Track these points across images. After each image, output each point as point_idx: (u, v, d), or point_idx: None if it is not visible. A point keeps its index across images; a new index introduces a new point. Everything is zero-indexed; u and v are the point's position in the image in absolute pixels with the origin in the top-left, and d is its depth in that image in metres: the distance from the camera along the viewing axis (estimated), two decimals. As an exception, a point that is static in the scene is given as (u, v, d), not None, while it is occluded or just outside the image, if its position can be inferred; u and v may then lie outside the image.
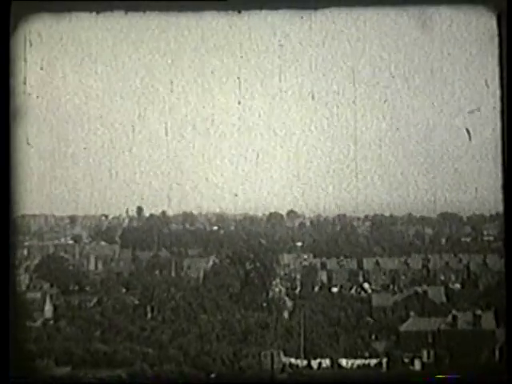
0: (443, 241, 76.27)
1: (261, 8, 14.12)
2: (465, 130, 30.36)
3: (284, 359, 49.19)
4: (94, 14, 14.09)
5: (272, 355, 48.73)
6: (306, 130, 43.53)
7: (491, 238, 73.04)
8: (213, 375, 46.04)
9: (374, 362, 51.21)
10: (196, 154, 48.91)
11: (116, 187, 49.61)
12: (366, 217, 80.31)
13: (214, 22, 15.70)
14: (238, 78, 25.12)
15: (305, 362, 50.20)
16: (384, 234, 78.14)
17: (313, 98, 33.55)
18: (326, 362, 50.36)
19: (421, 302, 59.97)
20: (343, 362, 50.99)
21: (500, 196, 12.90)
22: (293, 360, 49.86)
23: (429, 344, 52.93)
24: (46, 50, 18.03)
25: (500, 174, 13.01)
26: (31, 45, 14.92)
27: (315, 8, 13.98)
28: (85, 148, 41.51)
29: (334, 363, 50.59)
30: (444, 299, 61.30)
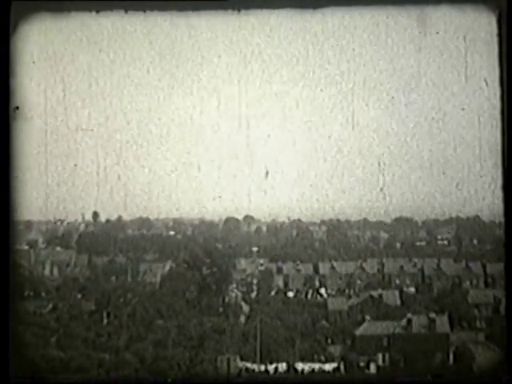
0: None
1: (261, 7, 14.17)
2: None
3: (240, 364, 49.26)
4: (93, 13, 14.08)
5: (228, 360, 48.79)
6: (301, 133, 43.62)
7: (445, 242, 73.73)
8: (169, 380, 45.95)
9: (330, 366, 51.46)
10: (153, 159, 48.75)
11: (72, 192, 49.27)
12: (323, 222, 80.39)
13: (213, 22, 15.73)
14: (238, 77, 25.20)
15: (261, 367, 50.31)
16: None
17: (313, 97, 33.63)
18: (283, 367, 50.52)
19: (376, 305, 60.35)
20: (299, 366, 51.17)
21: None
22: (249, 364, 49.95)
23: (384, 347, 53.33)
24: (46, 49, 18.00)
25: (500, 174, 13.09)
26: (31, 45, 14.89)
27: (315, 8, 14.02)
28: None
29: (291, 367, 50.76)
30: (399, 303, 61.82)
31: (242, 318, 60.11)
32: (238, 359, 49.29)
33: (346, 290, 67.60)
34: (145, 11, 14.03)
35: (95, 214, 76.10)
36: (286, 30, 22.31)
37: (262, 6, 14.01)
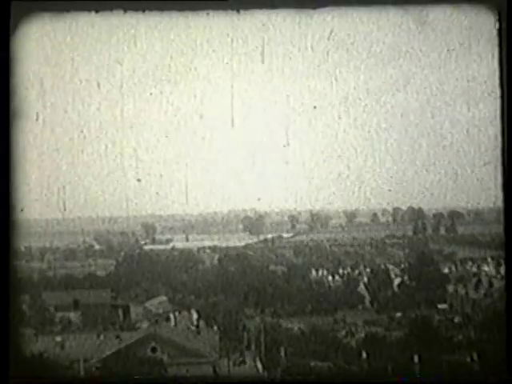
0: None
1: (260, 8, 14.15)
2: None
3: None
4: (93, 13, 14.07)
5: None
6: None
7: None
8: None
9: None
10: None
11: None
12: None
13: (213, 22, 15.68)
14: (238, 77, 25.18)
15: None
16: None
17: (313, 97, 33.62)
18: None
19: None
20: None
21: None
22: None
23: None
24: (46, 49, 17.97)
25: (500, 174, 13.09)
26: (31, 45, 14.87)
27: (315, 8, 14.01)
28: None
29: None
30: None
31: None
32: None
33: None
34: (144, 11, 14.03)
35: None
36: (286, 30, 22.30)
37: (261, 6, 14.00)
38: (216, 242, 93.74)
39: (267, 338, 60.74)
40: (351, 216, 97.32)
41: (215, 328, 65.82)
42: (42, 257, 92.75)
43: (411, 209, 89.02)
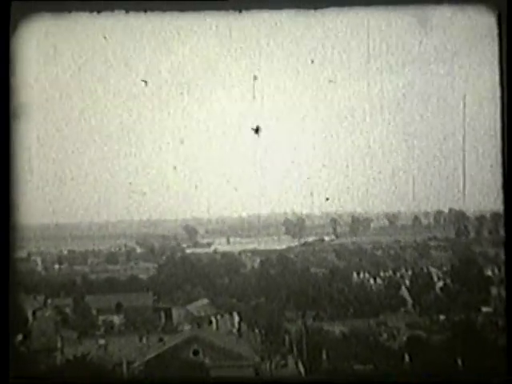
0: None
1: (261, 8, 14.14)
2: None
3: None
4: (94, 13, 14.10)
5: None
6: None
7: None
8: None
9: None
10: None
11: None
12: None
13: (214, 22, 15.71)
14: (238, 78, 25.23)
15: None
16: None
17: (312, 98, 33.59)
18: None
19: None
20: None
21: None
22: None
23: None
24: (46, 49, 18.09)
25: (500, 174, 13.02)
26: (31, 45, 14.96)
27: (315, 8, 13.98)
28: None
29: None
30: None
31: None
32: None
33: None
34: (146, 11, 14.02)
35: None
36: (287, 31, 22.28)
37: (262, 6, 13.96)
38: (257, 245, 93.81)
39: (309, 341, 60.59)
40: (393, 218, 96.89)
41: (257, 331, 65.81)
42: (85, 260, 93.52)
43: (453, 211, 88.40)
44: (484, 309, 69.70)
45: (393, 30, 18.79)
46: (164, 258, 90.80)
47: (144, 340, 62.83)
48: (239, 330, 67.27)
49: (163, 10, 14.03)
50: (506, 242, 12.81)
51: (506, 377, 12.74)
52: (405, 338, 62.95)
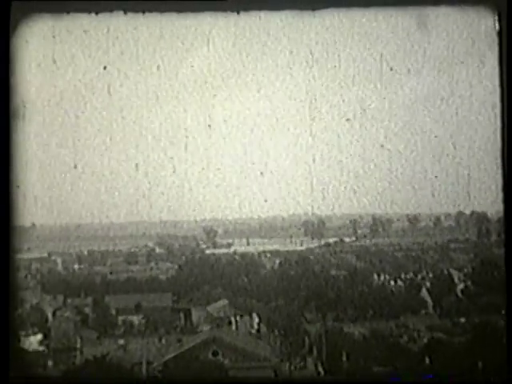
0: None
1: (260, 9, 14.08)
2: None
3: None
4: (93, 14, 14.08)
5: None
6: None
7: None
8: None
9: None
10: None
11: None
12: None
13: (213, 23, 15.65)
14: (238, 78, 25.11)
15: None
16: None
17: (313, 98, 33.48)
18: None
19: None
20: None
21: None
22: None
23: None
24: (46, 50, 18.06)
25: (500, 174, 12.94)
26: (31, 45, 14.93)
27: (314, 9, 13.91)
28: None
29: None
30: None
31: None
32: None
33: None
34: (144, 12, 13.98)
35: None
36: (286, 32, 22.19)
37: (261, 7, 13.89)
38: (277, 246, 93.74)
39: (328, 343, 60.36)
40: (414, 220, 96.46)
41: (276, 332, 65.68)
42: (105, 260, 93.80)
43: (475, 213, 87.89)
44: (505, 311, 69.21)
45: (392, 31, 18.64)
46: (183, 258, 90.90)
47: (163, 340, 62.90)
48: (258, 330, 67.16)
49: (161, 10, 14.01)
50: (506, 242, 12.70)
51: (507, 376, 12.57)
52: (425, 341, 62.58)
